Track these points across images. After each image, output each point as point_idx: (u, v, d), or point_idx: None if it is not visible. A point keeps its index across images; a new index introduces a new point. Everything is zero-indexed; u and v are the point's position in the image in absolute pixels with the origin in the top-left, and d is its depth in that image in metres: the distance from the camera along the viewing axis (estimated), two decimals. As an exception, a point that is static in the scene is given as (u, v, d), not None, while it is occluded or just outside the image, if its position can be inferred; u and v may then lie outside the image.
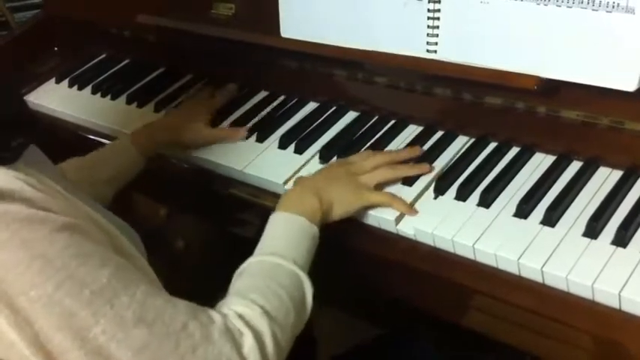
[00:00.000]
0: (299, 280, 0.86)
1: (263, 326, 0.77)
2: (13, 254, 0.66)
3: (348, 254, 1.04)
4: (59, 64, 1.66)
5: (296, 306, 0.83)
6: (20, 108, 1.16)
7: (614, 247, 0.86)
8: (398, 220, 0.98)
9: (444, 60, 1.06)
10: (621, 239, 0.86)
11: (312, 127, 1.22)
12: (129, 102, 1.45)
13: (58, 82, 1.60)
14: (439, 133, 1.13)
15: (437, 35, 1.05)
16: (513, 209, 0.95)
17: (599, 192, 0.95)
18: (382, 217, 0.99)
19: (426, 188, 1.03)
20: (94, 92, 1.52)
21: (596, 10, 0.91)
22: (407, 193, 1.02)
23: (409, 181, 1.04)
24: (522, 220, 0.93)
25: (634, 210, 0.90)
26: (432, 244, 0.96)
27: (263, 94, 1.35)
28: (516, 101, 1.04)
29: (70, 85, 1.57)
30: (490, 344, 0.96)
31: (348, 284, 1.15)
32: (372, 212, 1.00)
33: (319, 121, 1.23)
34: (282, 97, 1.32)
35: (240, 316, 0.76)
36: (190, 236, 1.54)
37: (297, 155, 1.17)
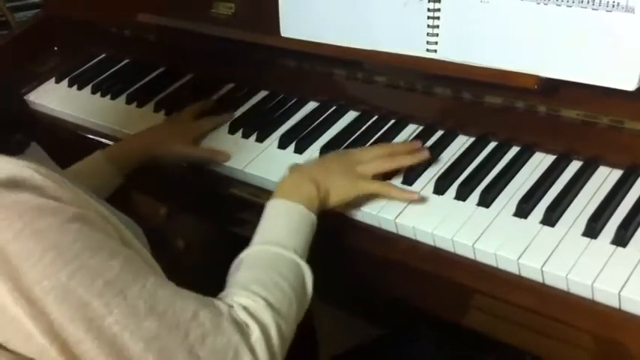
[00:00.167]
0: (300, 269, 0.86)
1: (267, 319, 0.77)
2: (26, 245, 0.66)
3: (348, 254, 1.04)
4: (59, 63, 1.66)
5: (298, 296, 0.83)
6: (20, 107, 1.15)
7: (614, 246, 0.86)
8: (398, 219, 0.98)
9: (444, 59, 1.06)
10: (621, 239, 0.86)
11: (312, 127, 1.21)
12: (129, 102, 1.45)
13: (57, 81, 1.60)
14: (439, 133, 1.13)
15: (437, 35, 1.05)
16: (513, 209, 0.95)
17: (599, 191, 0.95)
18: (383, 217, 0.99)
19: (426, 188, 1.03)
20: (93, 92, 1.52)
21: (596, 10, 0.91)
22: (407, 192, 1.02)
23: (409, 181, 1.04)
24: (522, 220, 0.93)
25: (634, 209, 0.90)
26: (432, 244, 0.96)
27: (263, 93, 1.35)
28: (516, 101, 1.04)
29: (70, 85, 1.57)
30: (490, 344, 0.96)
31: (348, 284, 1.15)
32: (372, 212, 1.00)
33: (319, 120, 1.23)
34: (281, 97, 1.32)
35: (245, 308, 0.77)
36: (190, 236, 1.54)
37: (297, 155, 1.17)
